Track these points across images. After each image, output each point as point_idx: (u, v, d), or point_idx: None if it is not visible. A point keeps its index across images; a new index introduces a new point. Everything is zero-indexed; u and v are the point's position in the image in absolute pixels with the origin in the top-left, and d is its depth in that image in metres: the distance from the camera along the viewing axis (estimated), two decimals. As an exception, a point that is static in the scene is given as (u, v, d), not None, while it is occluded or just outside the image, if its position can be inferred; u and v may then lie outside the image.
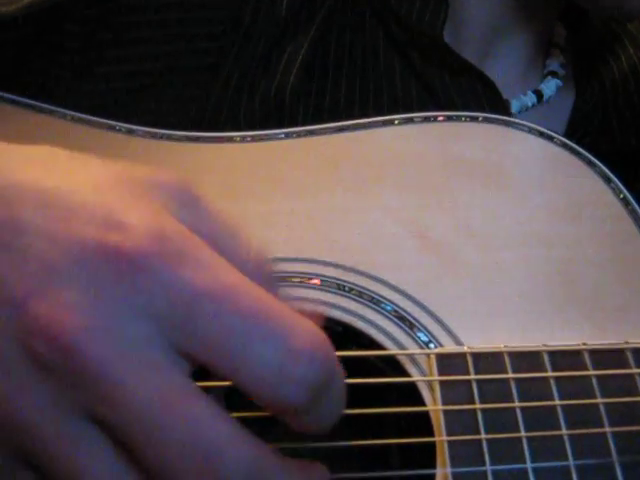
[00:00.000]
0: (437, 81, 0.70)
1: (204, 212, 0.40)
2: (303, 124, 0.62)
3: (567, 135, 0.74)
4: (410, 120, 0.60)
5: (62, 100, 0.62)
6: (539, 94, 0.76)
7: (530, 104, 0.75)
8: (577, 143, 0.73)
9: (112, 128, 0.60)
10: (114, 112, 0.63)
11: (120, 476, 0.36)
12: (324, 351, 0.37)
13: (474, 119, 0.60)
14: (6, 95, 0.60)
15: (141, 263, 0.36)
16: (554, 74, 0.77)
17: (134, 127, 0.60)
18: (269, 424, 0.42)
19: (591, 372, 0.51)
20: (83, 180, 0.39)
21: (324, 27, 0.68)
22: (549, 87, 0.76)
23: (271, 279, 0.40)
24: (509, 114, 0.72)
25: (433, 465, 0.49)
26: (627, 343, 0.52)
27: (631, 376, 0.50)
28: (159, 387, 0.35)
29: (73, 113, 0.60)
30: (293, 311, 0.38)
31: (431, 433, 0.50)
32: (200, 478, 0.36)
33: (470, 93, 0.70)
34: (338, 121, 0.61)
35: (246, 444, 0.37)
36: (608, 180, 0.58)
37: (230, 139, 0.60)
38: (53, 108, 0.61)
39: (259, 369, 0.36)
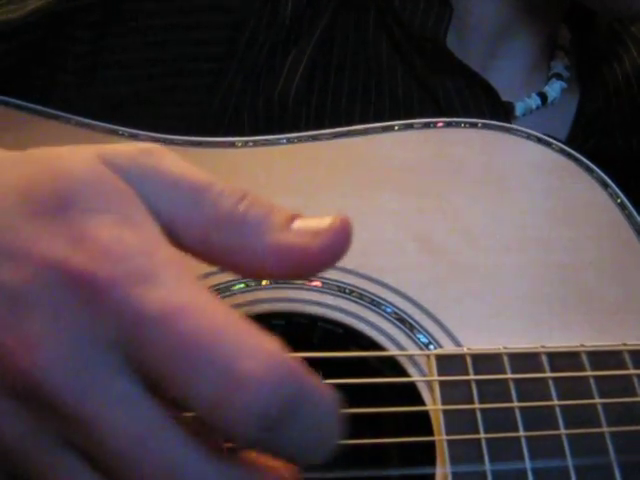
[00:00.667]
0: (438, 86, 0.70)
1: (166, 175, 0.38)
2: (306, 128, 0.62)
3: (571, 137, 0.75)
4: (410, 126, 0.61)
5: (66, 105, 0.62)
6: (543, 97, 0.76)
7: (534, 106, 0.76)
8: (580, 146, 0.73)
9: (115, 132, 0.61)
10: (118, 117, 0.63)
11: None
12: (278, 377, 0.33)
13: (473, 125, 0.61)
14: (11, 100, 0.61)
15: (100, 289, 0.34)
16: (559, 76, 0.78)
17: (137, 132, 0.61)
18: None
19: (589, 373, 0.51)
20: (42, 190, 0.37)
21: (327, 32, 0.69)
22: (554, 89, 0.77)
23: (245, 223, 0.38)
24: (509, 120, 0.73)
25: (433, 465, 0.49)
26: (625, 345, 0.52)
27: (628, 377, 0.51)
28: (130, 420, 0.35)
29: (77, 118, 0.61)
30: (252, 331, 0.35)
31: (431, 433, 0.50)
32: None
33: (471, 99, 0.71)
34: (339, 126, 0.62)
35: (227, 470, 0.36)
36: (605, 185, 0.59)
37: (232, 144, 0.60)
38: (57, 113, 0.61)
39: (203, 397, 0.33)
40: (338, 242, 0.39)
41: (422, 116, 0.62)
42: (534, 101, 0.75)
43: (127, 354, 0.35)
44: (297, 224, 0.39)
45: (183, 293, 0.35)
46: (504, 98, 0.74)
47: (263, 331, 0.35)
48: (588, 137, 0.75)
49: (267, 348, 0.34)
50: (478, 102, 0.71)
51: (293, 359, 0.34)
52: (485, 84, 0.71)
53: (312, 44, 0.68)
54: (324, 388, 0.35)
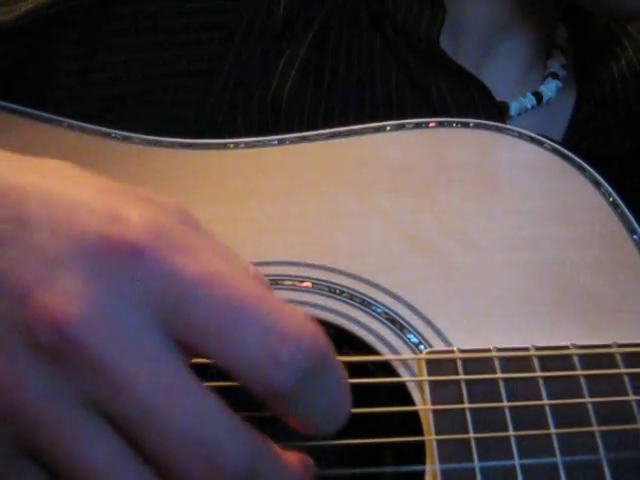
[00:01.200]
0: (432, 87, 0.70)
1: (201, 229, 0.42)
2: (299, 130, 0.62)
3: (566, 137, 0.75)
4: (402, 126, 0.61)
5: (60, 108, 0.63)
6: (539, 96, 0.76)
7: (529, 106, 0.75)
8: (576, 145, 0.73)
9: (108, 135, 0.61)
10: (111, 119, 0.64)
11: (121, 464, 0.37)
12: (313, 338, 0.37)
13: (465, 125, 0.61)
14: (4, 104, 0.61)
15: (139, 253, 0.37)
16: (554, 75, 0.78)
17: (129, 134, 0.61)
18: (268, 424, 0.43)
19: (579, 372, 0.51)
20: (87, 184, 0.40)
21: (321, 32, 0.69)
22: (549, 89, 0.76)
23: (270, 289, 0.42)
24: (503, 120, 0.72)
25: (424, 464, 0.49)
26: (615, 343, 0.52)
27: (619, 376, 0.51)
28: (159, 376, 0.36)
29: (69, 121, 0.61)
30: (283, 301, 0.38)
31: (423, 433, 0.50)
32: (200, 468, 0.36)
33: (465, 99, 0.71)
34: (331, 127, 0.62)
35: (246, 437, 0.38)
36: (598, 184, 0.59)
37: (224, 146, 0.60)
38: (50, 116, 0.62)
39: (246, 352, 0.36)
40: None
41: (416, 117, 0.62)
42: (529, 101, 0.75)
43: (164, 316, 0.37)
44: None
45: (221, 263, 0.38)
46: (499, 98, 0.74)
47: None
48: (583, 136, 0.75)
49: (302, 315, 0.38)
50: (472, 102, 0.71)
51: (317, 326, 0.38)
52: (479, 84, 0.71)
53: (305, 45, 0.68)
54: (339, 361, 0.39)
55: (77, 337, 0.35)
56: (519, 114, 0.75)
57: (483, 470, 0.47)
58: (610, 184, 0.59)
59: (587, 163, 0.60)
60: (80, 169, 0.42)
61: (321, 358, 0.37)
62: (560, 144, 0.62)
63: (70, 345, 0.36)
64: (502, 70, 0.76)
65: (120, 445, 0.37)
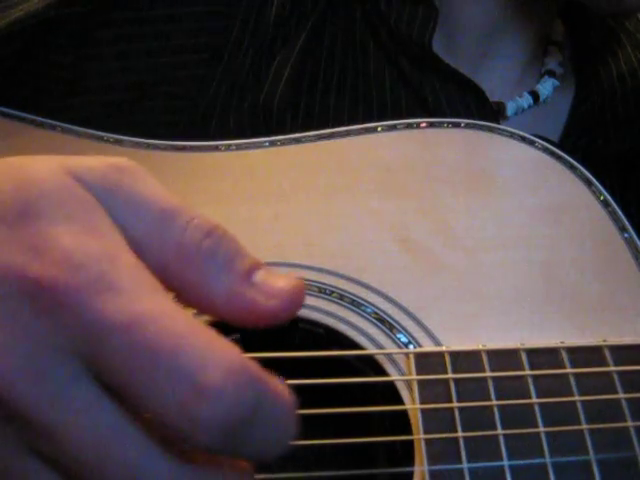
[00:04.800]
0: (427, 89, 0.70)
1: (135, 193, 0.38)
2: (292, 132, 0.62)
3: (564, 136, 0.75)
4: (393, 127, 0.61)
5: (52, 115, 0.63)
6: (535, 95, 0.76)
7: (526, 106, 0.75)
8: (574, 144, 0.73)
9: (100, 139, 0.61)
10: (104, 124, 0.64)
11: None
12: (241, 383, 0.34)
13: (456, 125, 0.61)
14: (-3, 108, 0.62)
15: (58, 297, 0.34)
16: (551, 73, 0.77)
17: (122, 137, 0.61)
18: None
19: (569, 370, 0.51)
20: (4, 196, 0.37)
21: (314, 35, 0.69)
22: (545, 87, 0.76)
23: (215, 252, 0.38)
24: (498, 121, 0.72)
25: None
26: (605, 341, 0.52)
27: (609, 374, 0.51)
28: (91, 428, 0.35)
29: (62, 125, 0.62)
30: (213, 339, 0.35)
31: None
32: None
33: (459, 101, 0.70)
34: (322, 129, 0.62)
35: (184, 477, 0.36)
36: (589, 183, 0.59)
37: (215, 148, 0.61)
38: (42, 120, 0.62)
39: (163, 409, 0.34)
40: (289, 308, 0.39)
41: (410, 118, 0.62)
42: (525, 100, 0.75)
43: (87, 362, 0.35)
44: (257, 278, 0.38)
45: (144, 301, 0.35)
46: (496, 97, 0.74)
47: (222, 338, 0.35)
48: (581, 135, 0.74)
49: (227, 356, 0.34)
50: (466, 104, 0.70)
51: (252, 363, 0.35)
52: (473, 86, 0.71)
53: (298, 48, 0.68)
54: (281, 388, 0.36)
55: (3, 392, 0.34)
56: (515, 114, 0.75)
57: (472, 471, 0.47)
58: (609, 183, 0.59)
59: (585, 162, 0.60)
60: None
61: (253, 405, 0.34)
62: (553, 143, 0.62)
63: (1, 403, 0.34)
64: (498, 70, 0.75)
65: None
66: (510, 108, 0.74)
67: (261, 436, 0.35)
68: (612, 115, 0.75)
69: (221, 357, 0.34)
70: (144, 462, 0.35)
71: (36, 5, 0.65)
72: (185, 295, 0.38)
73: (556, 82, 0.77)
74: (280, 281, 0.38)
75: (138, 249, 0.37)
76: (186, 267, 0.37)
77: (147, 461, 0.35)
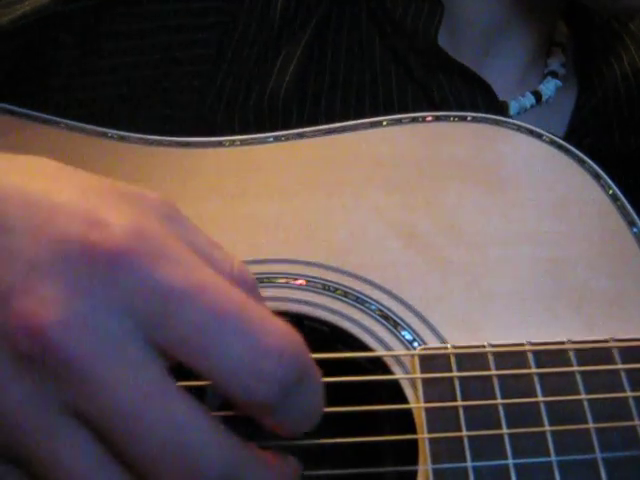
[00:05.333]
0: (433, 84, 0.69)
1: (187, 225, 0.41)
2: (298, 127, 0.62)
3: (567, 135, 0.74)
4: (398, 121, 0.60)
5: (57, 110, 0.63)
6: (538, 95, 0.75)
7: (529, 105, 0.75)
8: (577, 143, 0.72)
9: (105, 135, 0.61)
10: (109, 119, 0.64)
11: (99, 470, 0.37)
12: (295, 350, 0.38)
13: (462, 119, 0.60)
14: (1, 105, 0.62)
15: (119, 260, 0.36)
16: (554, 74, 0.77)
17: (126, 134, 0.61)
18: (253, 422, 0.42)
19: (575, 368, 0.50)
20: (69, 185, 0.40)
21: (319, 30, 0.69)
22: (548, 88, 0.76)
23: (254, 289, 0.41)
24: (505, 116, 0.71)
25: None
26: (613, 339, 0.51)
27: (616, 372, 0.50)
28: (138, 384, 0.36)
29: (66, 121, 0.62)
30: (268, 312, 0.38)
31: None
32: (178, 475, 0.36)
33: (466, 96, 0.70)
34: (327, 124, 0.61)
35: (223, 444, 0.38)
36: (597, 177, 0.58)
37: (219, 143, 0.60)
38: (46, 116, 0.62)
39: (229, 365, 0.36)
40: None
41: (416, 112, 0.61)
42: (528, 100, 0.74)
43: (144, 324, 0.36)
44: None
45: (204, 273, 0.38)
46: (499, 97, 0.73)
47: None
48: (585, 135, 0.74)
49: (284, 326, 0.38)
50: (474, 100, 0.70)
51: (299, 337, 0.39)
52: (480, 81, 0.70)
53: (303, 43, 0.67)
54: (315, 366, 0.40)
55: (54, 343, 0.35)
56: (518, 113, 0.74)
57: (476, 470, 0.47)
58: (615, 183, 0.58)
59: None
60: (65, 167, 0.41)
61: (301, 371, 0.38)
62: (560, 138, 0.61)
63: (48, 352, 0.35)
64: (501, 69, 0.75)
65: (99, 451, 0.37)
66: (513, 108, 0.74)
67: (304, 402, 0.39)
68: (616, 115, 0.74)
69: (279, 325, 0.38)
70: (185, 422, 0.37)
71: (42, 0, 0.65)
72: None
73: (559, 83, 0.77)
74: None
75: None
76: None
77: (189, 422, 0.37)
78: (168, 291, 0.36)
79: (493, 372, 0.50)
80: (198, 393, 0.39)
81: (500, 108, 0.71)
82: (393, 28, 0.69)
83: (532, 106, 0.75)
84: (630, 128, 0.74)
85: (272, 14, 0.67)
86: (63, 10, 0.65)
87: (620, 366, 0.50)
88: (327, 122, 0.62)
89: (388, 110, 0.68)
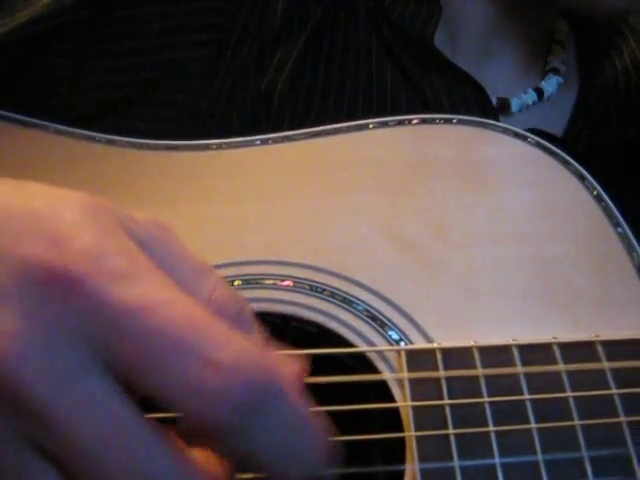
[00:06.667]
0: (427, 86, 0.70)
1: (173, 249, 0.40)
2: (290, 127, 0.62)
3: (568, 129, 0.75)
4: (385, 124, 0.61)
5: (55, 115, 0.63)
6: (539, 92, 0.75)
7: (530, 102, 0.75)
8: (576, 137, 0.73)
9: (92, 139, 0.61)
10: (107, 122, 0.64)
11: None
12: (256, 367, 0.34)
13: (448, 121, 0.61)
14: (-10, 110, 0.62)
15: (73, 283, 0.35)
16: (555, 71, 0.77)
17: (114, 137, 0.61)
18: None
19: (561, 366, 0.50)
20: (41, 201, 0.38)
21: (317, 30, 0.69)
22: (550, 84, 0.76)
23: (237, 317, 0.39)
24: (498, 117, 0.72)
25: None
26: (597, 336, 0.52)
27: (601, 370, 0.50)
28: (97, 420, 0.35)
29: (55, 125, 0.62)
30: (225, 327, 0.36)
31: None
32: None
33: (460, 98, 0.70)
34: (324, 125, 0.62)
35: (186, 473, 0.36)
36: (582, 178, 0.58)
37: (207, 147, 0.61)
38: (36, 121, 0.62)
39: (176, 383, 0.34)
40: None
41: (403, 115, 0.62)
42: (530, 97, 0.75)
43: (100, 350, 0.35)
44: None
45: (159, 291, 0.35)
46: (500, 94, 0.74)
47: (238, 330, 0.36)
48: (584, 127, 0.74)
49: (240, 341, 0.35)
50: (467, 102, 0.70)
51: (268, 356, 0.35)
52: (474, 83, 0.71)
53: (301, 42, 0.68)
54: (299, 395, 0.36)
55: (10, 379, 0.34)
56: (520, 110, 0.74)
57: (463, 469, 0.47)
58: (613, 172, 0.58)
59: (588, 152, 0.59)
60: (42, 185, 0.39)
61: (265, 391, 0.35)
62: (549, 139, 0.61)
63: (4, 387, 0.34)
64: (502, 67, 0.75)
65: None
66: (515, 104, 0.74)
67: (273, 433, 0.35)
68: (616, 108, 0.75)
69: (234, 341, 0.35)
70: (149, 456, 0.35)
71: (40, 10, 0.65)
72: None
73: (560, 79, 0.77)
74: None
75: None
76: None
77: (151, 456, 0.35)
78: (115, 311, 0.35)
79: (480, 370, 0.50)
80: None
81: (493, 109, 0.72)
82: (390, 29, 0.70)
83: (534, 103, 0.75)
84: (629, 121, 0.74)
85: (272, 15, 0.67)
86: (59, 21, 0.65)
87: (605, 364, 0.50)
88: (319, 122, 0.62)
89: (380, 111, 0.68)
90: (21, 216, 0.37)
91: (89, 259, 0.35)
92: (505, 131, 0.60)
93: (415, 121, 0.61)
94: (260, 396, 0.34)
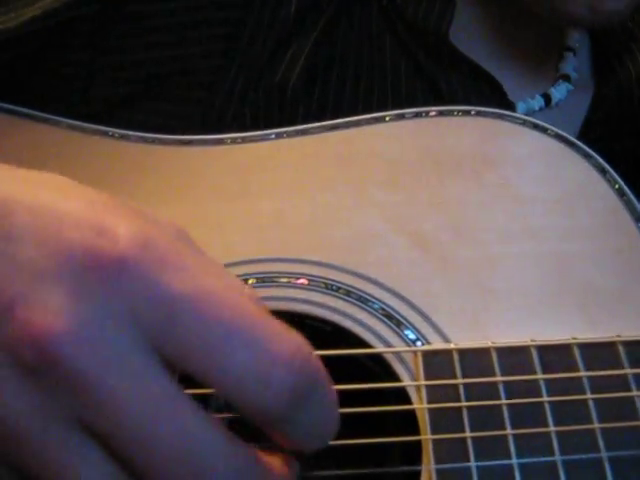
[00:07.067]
0: (442, 81, 0.69)
1: (197, 248, 0.40)
2: (304, 122, 0.61)
3: (579, 138, 0.73)
4: (401, 116, 0.60)
5: (68, 110, 0.63)
6: (547, 98, 0.74)
7: (537, 108, 0.74)
8: (589, 147, 0.71)
9: (105, 134, 0.61)
10: (119, 118, 0.64)
11: None
12: (305, 360, 0.37)
13: (466, 113, 0.59)
14: (2, 105, 0.61)
15: (124, 267, 0.36)
16: (566, 78, 0.76)
17: (127, 132, 0.61)
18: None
19: (580, 367, 0.49)
20: (77, 196, 0.39)
21: (330, 25, 0.68)
22: (559, 91, 0.75)
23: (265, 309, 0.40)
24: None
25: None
26: (618, 337, 0.51)
27: (621, 371, 0.49)
28: (146, 397, 0.35)
29: (67, 120, 0.61)
30: (277, 321, 0.38)
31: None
32: None
33: (476, 94, 0.69)
34: (333, 119, 0.61)
35: (230, 452, 0.37)
36: (603, 171, 0.57)
37: (221, 141, 0.60)
38: (49, 116, 0.62)
39: (237, 374, 0.36)
40: None
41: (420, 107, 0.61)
42: (537, 102, 0.74)
43: (149, 333, 0.36)
44: None
45: (214, 280, 0.37)
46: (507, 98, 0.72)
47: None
48: (597, 140, 0.72)
49: (294, 335, 0.37)
50: (482, 97, 0.69)
51: (311, 350, 0.38)
52: (490, 78, 0.70)
53: (313, 38, 0.67)
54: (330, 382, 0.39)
55: (59, 355, 0.35)
56: (526, 115, 0.73)
57: (479, 470, 0.46)
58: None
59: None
60: (71, 181, 0.41)
61: (312, 381, 0.37)
62: None
63: (53, 363, 0.35)
64: (511, 71, 0.74)
65: (108, 463, 0.36)
66: (520, 108, 0.73)
67: (316, 415, 0.38)
68: (629, 120, 0.74)
69: (289, 335, 0.37)
70: (199, 434, 0.36)
71: (52, 4, 0.64)
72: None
73: (570, 86, 0.76)
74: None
75: None
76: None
77: (198, 432, 0.36)
78: (172, 299, 0.36)
79: (497, 372, 0.49)
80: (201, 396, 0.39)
81: (510, 104, 0.70)
82: (404, 25, 0.69)
83: (541, 109, 0.74)
84: (638, 130, 0.73)
85: (285, 11, 0.66)
86: (75, 15, 0.64)
87: (626, 365, 0.49)
88: (334, 116, 0.61)
89: (396, 106, 0.67)
90: (56, 209, 0.38)
91: (137, 245, 0.36)
92: (524, 123, 0.59)
93: (433, 113, 0.60)
94: (310, 386, 0.37)
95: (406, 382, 0.50)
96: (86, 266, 0.36)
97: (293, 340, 0.37)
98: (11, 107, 0.62)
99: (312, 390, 0.37)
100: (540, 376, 0.49)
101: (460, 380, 0.49)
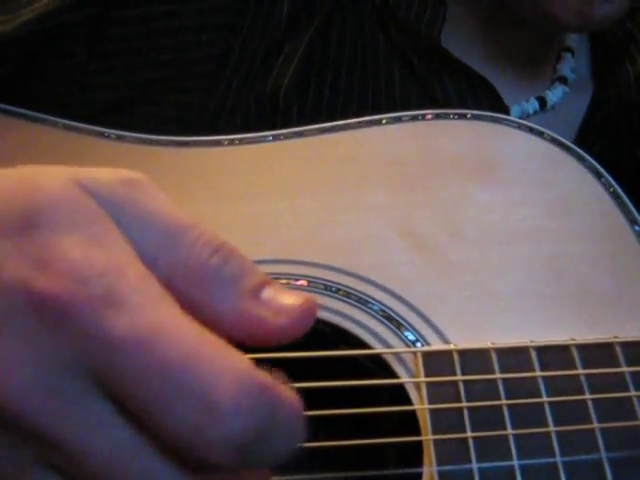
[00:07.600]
0: (436, 84, 0.69)
1: (142, 209, 0.37)
2: (298, 125, 0.61)
3: (577, 143, 0.73)
4: (398, 119, 0.60)
5: (63, 112, 0.62)
6: (542, 101, 0.74)
7: (532, 111, 0.74)
8: (587, 151, 0.72)
9: (102, 134, 0.60)
10: (114, 120, 0.63)
11: None
12: (254, 400, 0.33)
13: (462, 116, 0.60)
14: (-1, 105, 0.61)
15: (64, 311, 0.34)
16: (563, 80, 0.76)
17: (123, 133, 0.60)
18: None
19: (579, 368, 0.50)
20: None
21: (323, 28, 0.68)
22: (555, 94, 0.75)
23: (221, 275, 0.37)
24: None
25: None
26: (616, 338, 0.51)
27: (620, 371, 0.50)
28: (106, 443, 0.34)
29: (64, 121, 0.61)
30: (222, 351, 0.34)
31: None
32: None
33: (470, 97, 0.69)
34: (327, 122, 0.61)
35: None
36: (598, 175, 0.58)
37: (218, 142, 0.60)
38: (45, 117, 0.61)
39: (176, 429, 0.33)
40: (299, 325, 0.37)
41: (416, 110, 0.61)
42: (532, 105, 0.74)
43: (97, 378, 0.34)
44: (265, 295, 0.37)
45: (151, 315, 0.34)
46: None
47: (230, 347, 0.34)
48: (594, 143, 0.73)
49: (238, 369, 0.34)
50: (478, 100, 0.69)
51: (261, 373, 0.34)
52: (484, 82, 0.70)
53: (306, 42, 0.67)
54: (290, 396, 0.35)
55: (18, 409, 0.34)
56: (520, 118, 0.73)
57: (481, 471, 0.47)
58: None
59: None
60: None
61: (265, 418, 0.33)
62: None
63: (13, 416, 0.34)
64: (505, 74, 0.74)
65: None
66: (514, 112, 0.73)
67: (275, 446, 0.34)
68: (627, 124, 0.74)
69: (232, 372, 0.33)
70: (159, 472, 0.35)
71: (46, 7, 0.64)
72: (193, 313, 0.37)
73: (566, 89, 0.75)
74: (289, 298, 0.37)
75: (146, 265, 0.36)
76: (193, 284, 0.37)
77: (162, 471, 0.35)
78: (111, 342, 0.33)
79: (497, 373, 0.50)
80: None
81: (505, 108, 0.71)
82: (397, 28, 0.69)
83: (535, 112, 0.74)
84: (635, 138, 0.73)
85: (278, 15, 0.67)
86: (69, 19, 0.64)
87: (624, 366, 0.50)
88: (328, 120, 0.61)
89: (389, 109, 0.67)
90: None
91: (77, 282, 0.34)
92: (520, 126, 0.60)
93: (429, 116, 0.60)
94: (262, 430, 0.33)
95: (405, 379, 0.50)
96: (28, 308, 0.34)
97: (240, 380, 0.33)
98: (6, 107, 0.61)
99: (268, 426, 0.34)
100: (539, 373, 0.49)
101: (460, 377, 0.49)
